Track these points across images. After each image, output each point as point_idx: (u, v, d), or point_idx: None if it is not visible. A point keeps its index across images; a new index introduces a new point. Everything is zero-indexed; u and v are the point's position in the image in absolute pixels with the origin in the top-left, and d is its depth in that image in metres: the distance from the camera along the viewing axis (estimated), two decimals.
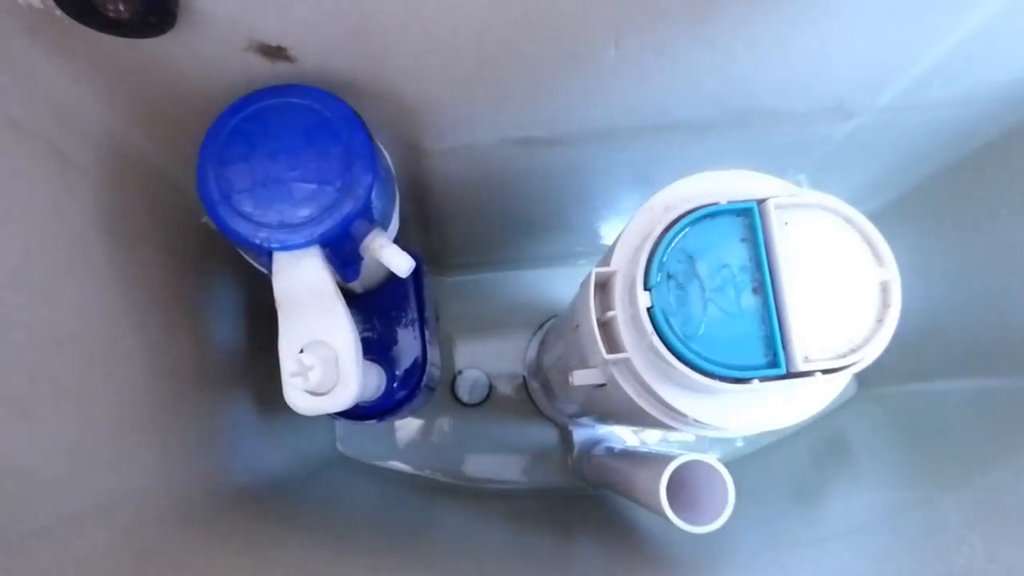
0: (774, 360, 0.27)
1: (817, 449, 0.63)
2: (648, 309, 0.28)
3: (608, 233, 0.64)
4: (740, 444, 0.67)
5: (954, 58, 0.38)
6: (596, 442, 0.64)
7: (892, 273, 0.28)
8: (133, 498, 0.33)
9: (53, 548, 0.28)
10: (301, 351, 0.32)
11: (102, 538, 0.30)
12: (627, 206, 0.57)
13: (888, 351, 0.27)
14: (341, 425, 0.68)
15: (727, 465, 0.36)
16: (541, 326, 0.69)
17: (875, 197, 0.59)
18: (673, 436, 0.66)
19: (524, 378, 0.69)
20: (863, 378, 0.65)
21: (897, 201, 0.59)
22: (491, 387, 0.69)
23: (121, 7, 0.26)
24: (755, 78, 0.38)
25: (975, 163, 0.50)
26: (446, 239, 0.63)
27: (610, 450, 0.60)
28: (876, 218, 0.28)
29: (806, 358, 0.27)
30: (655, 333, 0.27)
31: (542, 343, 0.64)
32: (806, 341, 0.27)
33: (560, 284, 0.71)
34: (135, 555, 0.32)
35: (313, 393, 0.32)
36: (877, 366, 0.27)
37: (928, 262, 0.55)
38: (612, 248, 0.33)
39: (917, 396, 0.58)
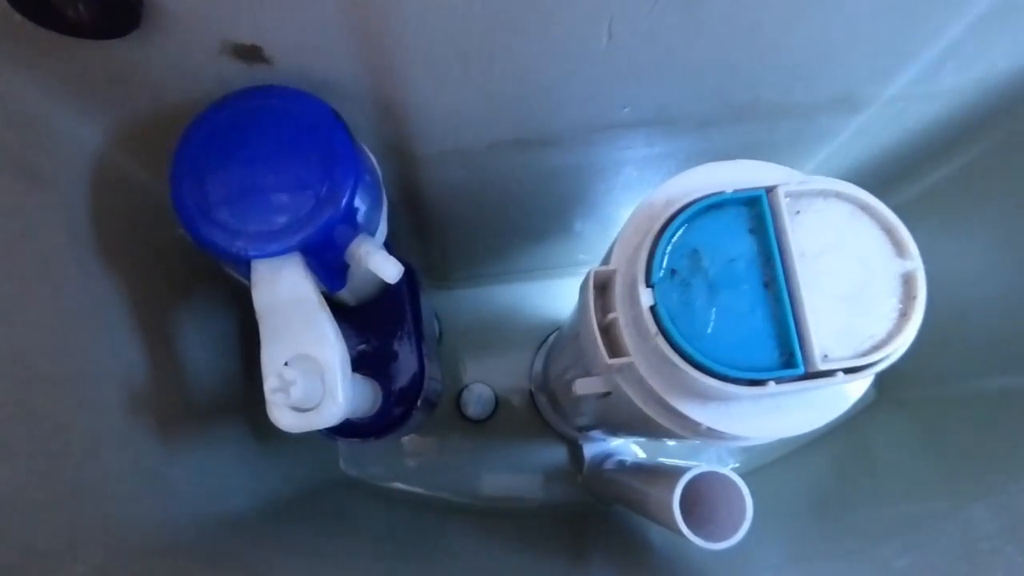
0: (790, 360, 0.25)
1: (838, 458, 0.60)
2: (651, 308, 0.25)
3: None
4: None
5: (968, 40, 0.36)
6: (607, 456, 0.61)
7: (915, 263, 0.25)
8: (115, 527, 0.32)
9: None
10: (286, 365, 0.30)
11: (81, 572, 0.29)
12: (631, 208, 0.56)
13: (909, 353, 0.25)
14: (344, 445, 0.66)
15: (745, 476, 0.34)
16: (547, 338, 0.67)
17: (890, 194, 0.57)
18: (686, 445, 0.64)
19: (531, 392, 0.67)
20: (883, 382, 0.62)
21: (916, 197, 0.56)
22: (498, 402, 0.67)
23: (80, 7, 0.25)
24: (757, 69, 0.36)
25: (997, 155, 0.48)
26: (446, 249, 0.61)
27: (621, 464, 0.57)
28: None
29: (825, 357, 0.24)
30: (659, 334, 0.25)
31: (548, 355, 0.62)
32: (824, 338, 0.25)
33: (566, 295, 0.69)
34: None
35: (298, 409, 0.30)
36: (897, 369, 0.25)
37: (950, 259, 0.52)
38: (611, 247, 0.31)
39: (942, 400, 0.55)
